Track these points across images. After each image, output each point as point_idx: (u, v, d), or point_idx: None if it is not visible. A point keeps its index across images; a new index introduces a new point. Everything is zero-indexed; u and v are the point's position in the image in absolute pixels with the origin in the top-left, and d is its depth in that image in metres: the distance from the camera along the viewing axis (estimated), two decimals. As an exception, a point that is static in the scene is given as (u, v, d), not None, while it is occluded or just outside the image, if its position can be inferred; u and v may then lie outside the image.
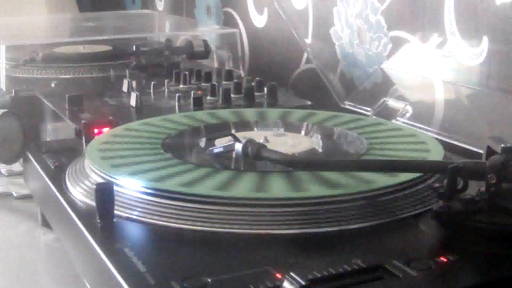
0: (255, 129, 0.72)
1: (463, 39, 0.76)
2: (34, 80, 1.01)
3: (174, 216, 0.50)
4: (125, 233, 0.50)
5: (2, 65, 0.99)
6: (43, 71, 1.04)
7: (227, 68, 1.04)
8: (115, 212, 0.51)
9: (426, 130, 0.73)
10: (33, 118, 0.86)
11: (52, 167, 0.65)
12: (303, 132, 0.70)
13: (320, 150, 0.65)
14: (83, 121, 0.71)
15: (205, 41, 1.12)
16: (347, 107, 0.88)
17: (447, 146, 0.66)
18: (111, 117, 0.75)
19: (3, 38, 1.05)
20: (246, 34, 1.21)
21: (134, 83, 0.92)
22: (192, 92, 0.86)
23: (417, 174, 0.54)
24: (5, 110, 0.78)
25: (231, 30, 1.19)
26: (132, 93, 0.86)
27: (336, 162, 0.55)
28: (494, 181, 0.47)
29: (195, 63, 1.12)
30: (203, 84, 0.95)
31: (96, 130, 0.70)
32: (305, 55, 1.05)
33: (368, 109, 0.84)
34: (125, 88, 0.92)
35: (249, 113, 0.76)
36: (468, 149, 0.67)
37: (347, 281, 0.42)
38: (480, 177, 0.47)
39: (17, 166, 0.84)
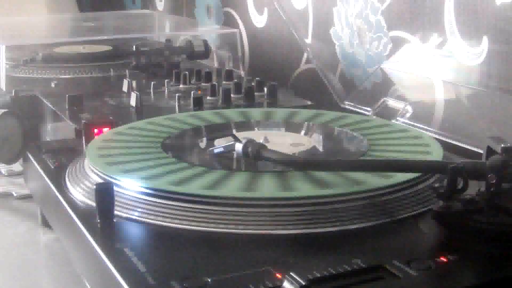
0: (256, 129, 0.72)
1: (463, 39, 0.76)
2: (34, 80, 1.01)
3: (174, 216, 0.50)
4: (125, 233, 0.50)
5: (2, 65, 0.99)
6: (43, 71, 1.04)
7: (227, 68, 1.04)
8: (115, 212, 0.51)
9: (426, 130, 0.73)
10: (33, 118, 0.86)
11: (52, 167, 0.65)
12: (303, 132, 0.70)
13: (320, 150, 0.65)
14: (83, 121, 0.71)
15: (205, 41, 1.12)
16: (347, 107, 0.88)
17: (447, 146, 0.66)
18: (111, 117, 0.75)
19: (3, 38, 1.05)
20: (246, 34, 1.21)
21: (134, 83, 0.92)
22: (192, 92, 0.86)
23: (417, 174, 0.54)
24: (5, 110, 0.78)
25: (231, 30, 1.19)
26: (132, 93, 0.86)
27: (336, 162, 0.55)
28: (494, 181, 0.47)
29: (195, 63, 1.12)
30: (203, 84, 0.95)
31: (96, 130, 0.70)
32: (305, 55, 1.05)
33: (368, 109, 0.84)
34: (125, 88, 0.92)
35: (255, 113, 0.76)
36: (468, 149, 0.67)
37: (347, 281, 0.42)
38: (480, 177, 0.47)
39: (17, 166, 0.84)
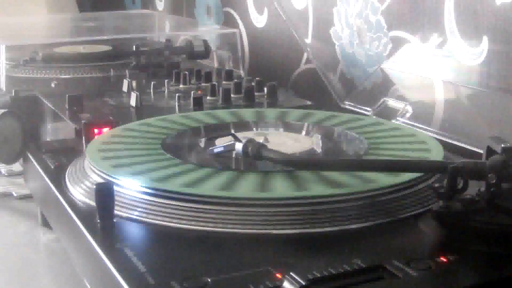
0: (254, 129, 0.72)
1: (463, 39, 0.76)
2: (34, 80, 1.01)
3: (174, 216, 0.50)
4: (125, 233, 0.50)
5: (2, 65, 0.99)
6: (43, 71, 1.04)
7: (227, 68, 1.04)
8: (115, 212, 0.51)
9: (426, 130, 0.73)
10: (33, 118, 0.86)
11: (52, 167, 0.65)
12: (303, 132, 0.70)
13: (320, 150, 0.65)
14: (83, 121, 0.71)
15: (205, 41, 1.12)
16: (347, 107, 0.88)
17: (447, 146, 0.66)
18: (111, 117, 0.75)
19: (3, 38, 1.05)
20: (246, 34, 1.21)
21: (134, 83, 0.92)
22: (192, 92, 0.86)
23: (417, 174, 0.54)
24: (5, 110, 0.78)
25: (231, 30, 1.19)
26: (132, 93, 0.86)
27: (336, 161, 0.55)
28: (494, 181, 0.47)
29: (195, 63, 1.12)
30: (203, 84, 0.95)
31: (96, 130, 0.70)
32: (305, 55, 1.05)
33: (368, 109, 0.84)
34: (125, 88, 0.92)
35: (247, 113, 0.76)
36: (468, 149, 0.67)
37: (347, 281, 0.42)
38: (480, 177, 0.47)
39: (17, 166, 0.84)
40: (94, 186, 0.51)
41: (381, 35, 0.88)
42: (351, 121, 0.72)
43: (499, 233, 0.46)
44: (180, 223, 0.50)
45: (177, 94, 0.86)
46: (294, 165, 0.55)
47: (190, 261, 0.45)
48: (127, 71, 1.00)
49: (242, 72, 1.12)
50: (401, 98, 0.82)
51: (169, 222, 0.50)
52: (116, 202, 0.51)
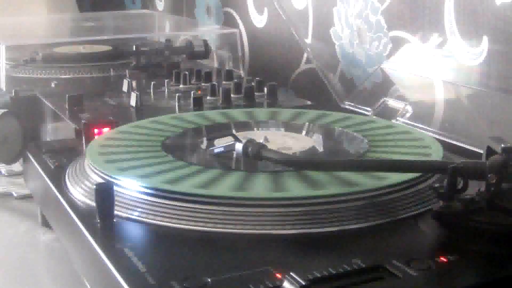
0: (255, 129, 0.72)
1: (463, 39, 0.76)
2: (34, 80, 1.01)
3: (174, 216, 0.50)
4: (125, 233, 0.50)
5: (2, 65, 0.99)
6: (43, 71, 1.04)
7: (227, 68, 1.04)
8: (115, 212, 0.51)
9: (426, 130, 0.73)
10: (33, 118, 0.86)
11: (52, 167, 0.65)
12: (303, 132, 0.70)
13: (320, 149, 0.65)
14: (83, 121, 0.71)
15: (205, 41, 1.12)
16: (347, 107, 0.88)
17: (447, 146, 0.66)
18: (111, 117, 0.75)
19: (3, 38, 1.05)
20: (246, 34, 1.21)
21: (134, 83, 0.92)
22: (192, 92, 0.86)
23: (417, 174, 0.54)
24: (5, 110, 0.78)
25: (231, 30, 1.19)
26: (132, 93, 0.86)
27: (336, 161, 0.55)
28: (494, 181, 0.47)
29: (195, 63, 1.12)
30: (203, 84, 0.95)
31: (96, 130, 0.70)
32: (305, 55, 1.05)
33: (368, 109, 0.84)
34: (125, 88, 0.92)
35: (238, 114, 0.76)
36: (468, 149, 0.67)
37: (347, 281, 0.42)
38: (480, 177, 0.47)
39: (17, 166, 0.84)
40: (94, 186, 0.51)
41: (381, 35, 0.88)
42: (343, 120, 0.72)
43: (499, 233, 0.46)
44: (180, 223, 0.50)
45: (177, 94, 0.86)
46: (294, 165, 0.55)
47: (190, 261, 0.45)
48: (127, 71, 1.00)
49: (242, 72, 1.12)
50: (401, 98, 0.82)
51: (169, 222, 0.50)
52: (116, 202, 0.51)
